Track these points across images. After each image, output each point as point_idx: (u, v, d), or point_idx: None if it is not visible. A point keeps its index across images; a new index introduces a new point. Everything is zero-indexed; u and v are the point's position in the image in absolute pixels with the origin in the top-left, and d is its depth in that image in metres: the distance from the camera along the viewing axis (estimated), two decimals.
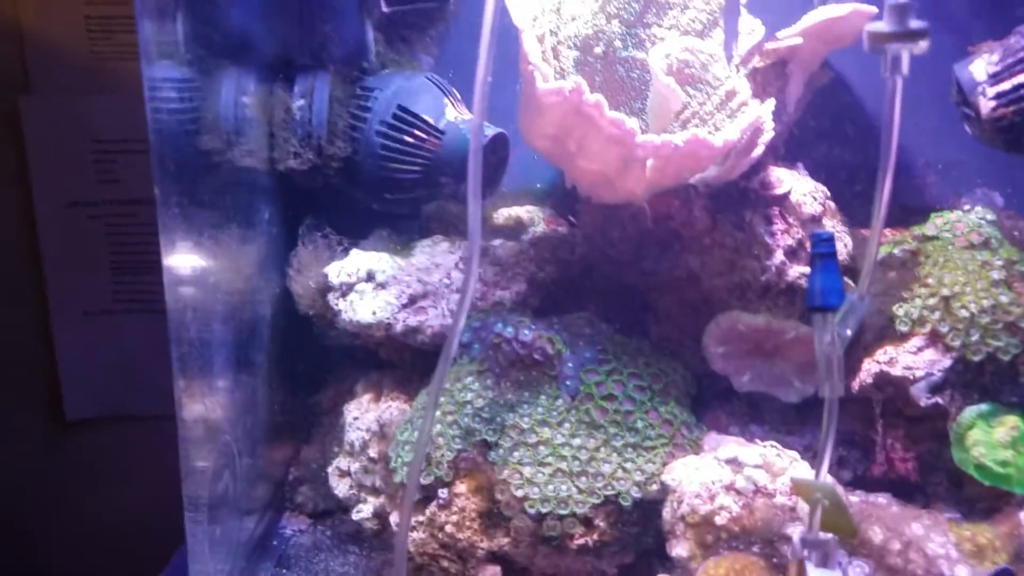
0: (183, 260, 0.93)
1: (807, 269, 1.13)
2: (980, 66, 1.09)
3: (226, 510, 1.11)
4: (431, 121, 1.23)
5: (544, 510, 1.04)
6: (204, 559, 1.03)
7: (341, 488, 1.28)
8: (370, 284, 1.24)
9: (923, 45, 0.78)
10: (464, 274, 0.86)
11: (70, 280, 1.50)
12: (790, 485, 0.96)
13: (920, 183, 1.40)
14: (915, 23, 0.77)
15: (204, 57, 1.18)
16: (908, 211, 1.35)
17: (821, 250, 0.85)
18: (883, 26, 0.78)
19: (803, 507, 0.95)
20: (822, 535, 0.81)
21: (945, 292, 1.16)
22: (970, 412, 1.14)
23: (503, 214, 1.42)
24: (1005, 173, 1.34)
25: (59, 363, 1.53)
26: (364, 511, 1.25)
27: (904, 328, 1.16)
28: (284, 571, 1.23)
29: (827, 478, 1.02)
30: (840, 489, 0.98)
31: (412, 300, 1.23)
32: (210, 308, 1.03)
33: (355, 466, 1.27)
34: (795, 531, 0.87)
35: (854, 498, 1.01)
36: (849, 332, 0.81)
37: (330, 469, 1.30)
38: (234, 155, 1.17)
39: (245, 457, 1.16)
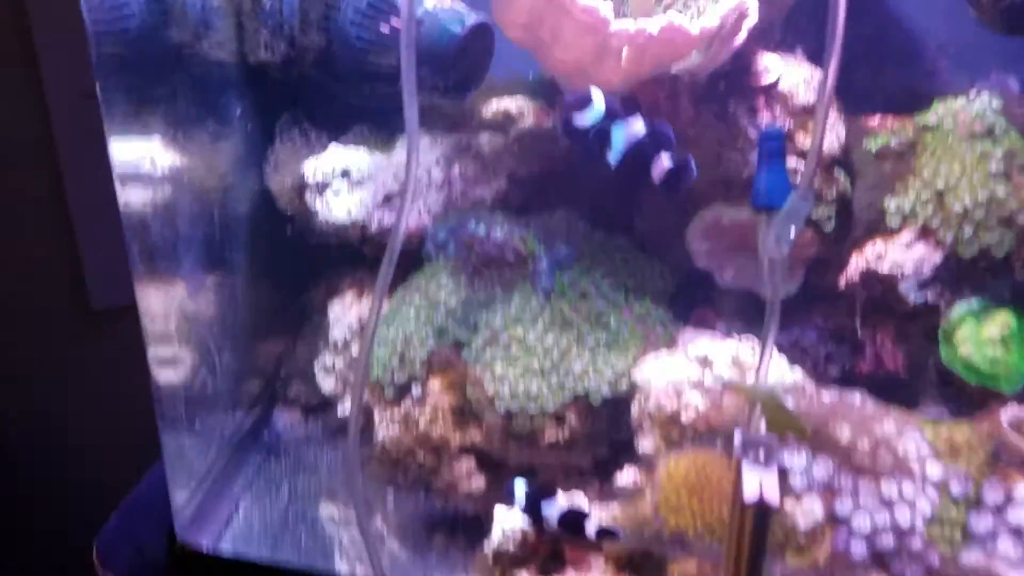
0: (131, 158, 0.91)
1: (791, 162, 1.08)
2: None
3: (205, 404, 1.13)
4: None
5: (514, 407, 1.04)
6: (180, 449, 1.05)
7: (327, 384, 1.30)
8: (345, 182, 1.22)
9: None
10: (405, 175, 0.82)
11: (88, 172, 1.49)
12: (729, 387, 0.94)
13: (931, 68, 1.32)
14: None
15: None
16: (918, 97, 1.27)
17: (768, 147, 0.80)
18: None
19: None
20: (761, 434, 0.79)
21: (940, 185, 1.10)
22: (960, 308, 1.11)
23: (492, 107, 1.37)
24: (1022, 56, 1.26)
25: (83, 255, 1.55)
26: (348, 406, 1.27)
27: (895, 223, 1.11)
28: (273, 458, 1.27)
29: (793, 377, 1.01)
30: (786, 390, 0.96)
31: (388, 198, 1.21)
32: (173, 206, 1.02)
33: (339, 363, 1.28)
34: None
35: (826, 398, 0.99)
36: (793, 232, 0.77)
37: (316, 366, 1.32)
38: (201, 47, 1.13)
39: (226, 353, 1.17)
